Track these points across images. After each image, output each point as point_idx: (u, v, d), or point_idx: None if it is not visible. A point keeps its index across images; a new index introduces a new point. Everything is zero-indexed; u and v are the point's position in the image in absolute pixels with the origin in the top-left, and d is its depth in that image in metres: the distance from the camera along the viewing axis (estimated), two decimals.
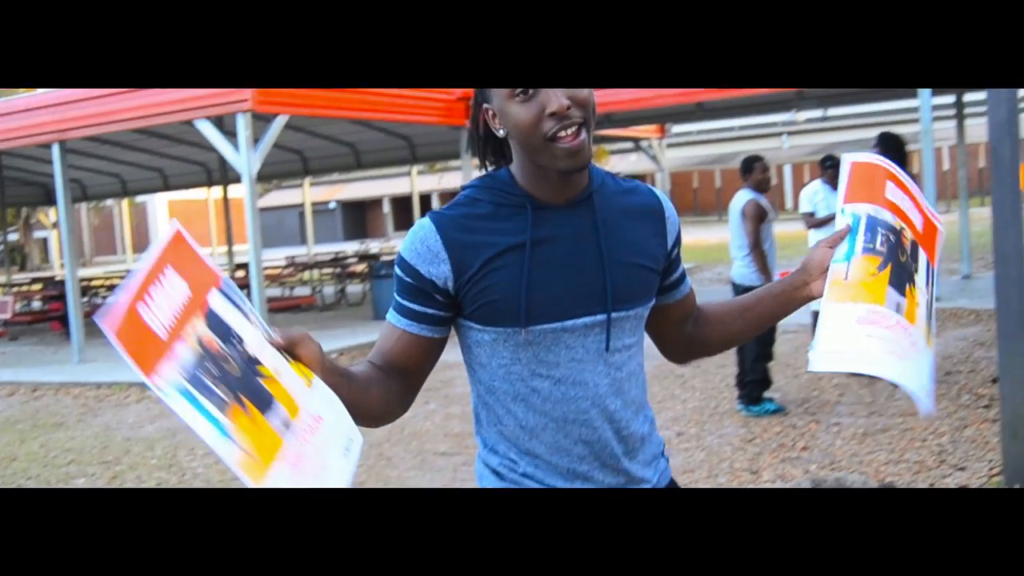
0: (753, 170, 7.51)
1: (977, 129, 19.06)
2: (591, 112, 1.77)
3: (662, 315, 2.06)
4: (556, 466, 1.86)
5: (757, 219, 7.25)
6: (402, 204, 55.37)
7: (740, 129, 49.26)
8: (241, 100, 11.32)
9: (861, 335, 1.81)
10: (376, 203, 59.97)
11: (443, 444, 7.35)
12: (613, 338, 1.87)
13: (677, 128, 30.02)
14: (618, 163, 49.64)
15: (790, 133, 47.93)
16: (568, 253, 1.83)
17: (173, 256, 1.57)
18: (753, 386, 7.38)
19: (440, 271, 1.81)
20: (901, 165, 8.66)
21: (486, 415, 1.93)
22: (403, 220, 55.45)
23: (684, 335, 2.12)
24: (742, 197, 7.42)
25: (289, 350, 1.68)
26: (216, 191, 25.42)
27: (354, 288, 21.36)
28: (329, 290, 21.38)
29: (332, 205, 59.39)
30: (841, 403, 7.63)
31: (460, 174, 16.30)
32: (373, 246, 29.34)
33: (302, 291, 21.78)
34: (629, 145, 22.13)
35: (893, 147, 8.00)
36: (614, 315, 1.86)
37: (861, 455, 6.18)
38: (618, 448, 1.88)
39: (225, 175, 20.87)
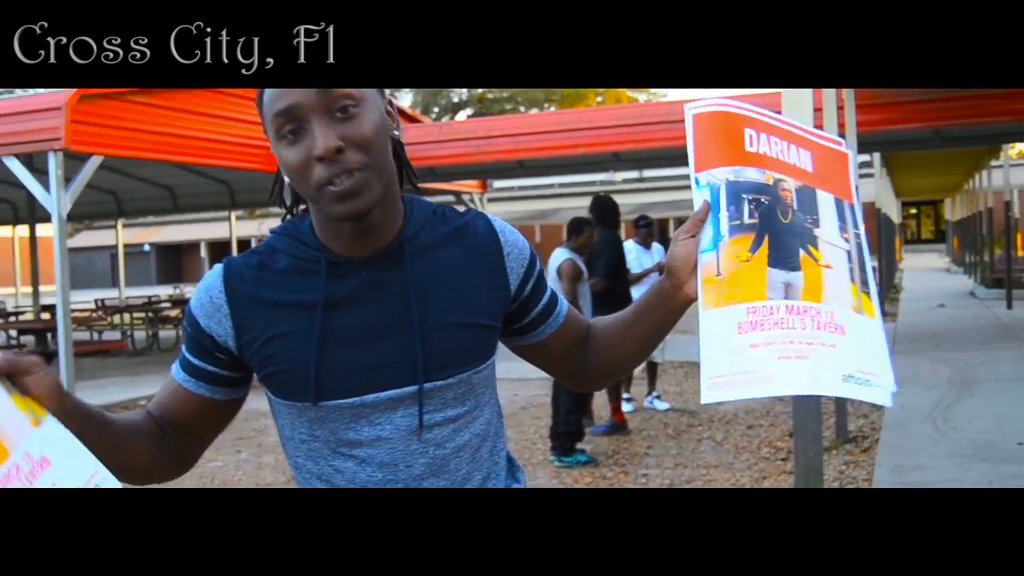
0: (582, 233, 7.68)
1: None
2: (376, 153, 1.51)
3: (540, 353, 1.81)
4: None
5: (574, 279, 7.45)
6: (220, 249, 54.15)
7: (560, 187, 50.31)
8: (54, 139, 10.96)
9: (744, 347, 1.48)
10: (193, 247, 58.51)
11: None
12: (427, 412, 1.59)
13: (499, 183, 30.52)
14: None
15: (608, 192, 49.23)
16: (371, 316, 1.57)
17: None
18: (566, 437, 7.54)
19: (221, 327, 1.58)
20: (613, 227, 8.54)
21: None
22: None
23: (576, 366, 1.84)
24: (559, 256, 7.59)
25: (15, 379, 1.37)
26: (22, 229, 24.33)
27: (167, 333, 20.76)
28: (140, 335, 20.72)
29: (146, 247, 57.62)
30: (649, 455, 7.87)
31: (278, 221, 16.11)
32: (188, 291, 28.62)
33: (112, 335, 21.02)
34: (451, 199, 22.37)
35: (604, 209, 8.29)
36: (427, 386, 1.57)
37: None
38: None
39: (33, 213, 20.06)
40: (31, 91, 13.48)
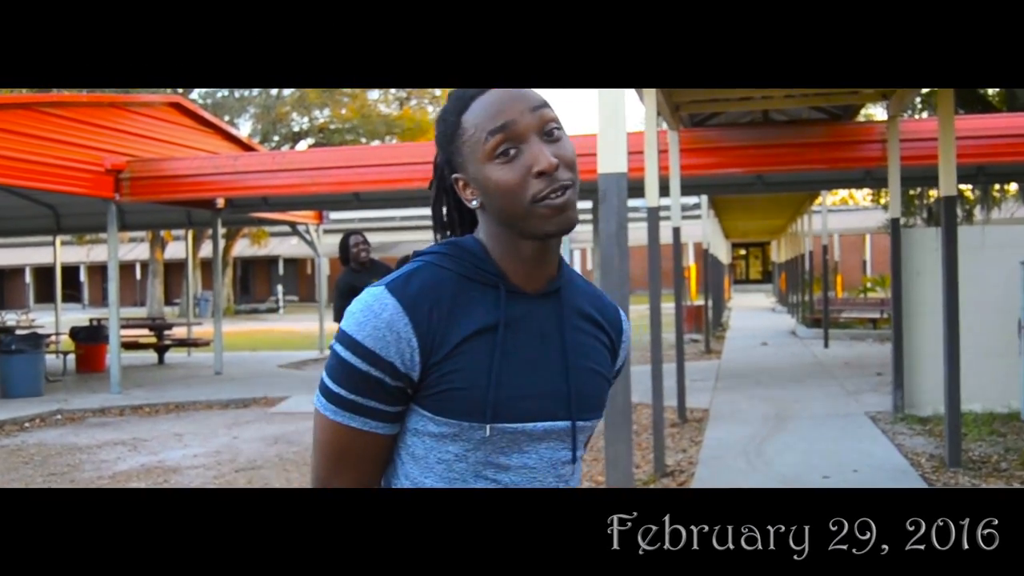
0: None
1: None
2: (576, 173, 1.59)
3: None
4: None
5: None
6: (45, 275, 52.24)
7: (402, 220, 50.32)
8: None
9: None
10: (17, 272, 56.25)
11: None
12: (572, 449, 1.66)
13: (337, 215, 30.28)
14: (278, 246, 49.27)
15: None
16: (534, 348, 1.62)
17: None
18: None
19: (404, 355, 1.53)
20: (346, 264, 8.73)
21: None
22: (45, 291, 52.29)
23: None
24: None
25: None
26: None
27: None
28: None
29: None
30: None
31: (107, 247, 15.64)
32: (9, 318, 27.39)
33: None
34: (287, 229, 22.15)
35: (341, 247, 8.57)
36: (578, 423, 1.65)
37: None
38: None
39: None
40: None
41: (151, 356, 21.10)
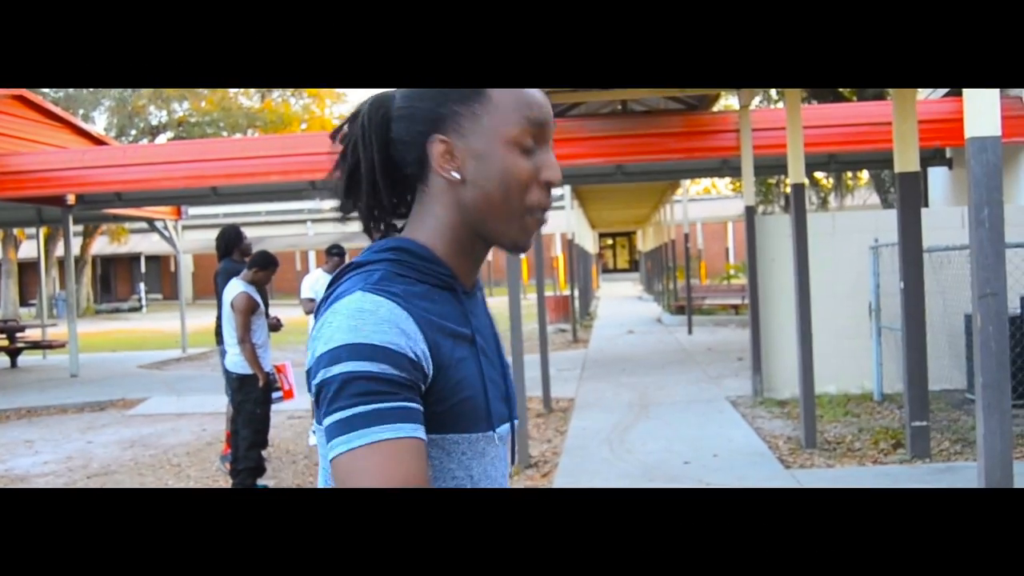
0: (265, 267, 7.31)
1: None
2: None
3: None
4: None
5: (247, 312, 7.21)
6: None
7: (267, 214, 49.55)
8: None
9: None
10: None
11: None
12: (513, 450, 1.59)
13: (196, 210, 29.60)
14: (139, 243, 47.95)
15: (315, 220, 48.88)
16: (487, 348, 1.50)
17: None
18: (246, 474, 7.32)
19: (423, 354, 1.34)
20: (226, 257, 8.87)
21: None
22: None
23: None
24: (234, 288, 7.30)
25: None
26: None
27: None
28: None
29: None
30: None
31: None
32: None
33: None
34: (144, 225, 21.51)
35: (220, 239, 8.49)
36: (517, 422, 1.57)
37: None
38: None
39: None
40: None
41: (3, 360, 20.28)
